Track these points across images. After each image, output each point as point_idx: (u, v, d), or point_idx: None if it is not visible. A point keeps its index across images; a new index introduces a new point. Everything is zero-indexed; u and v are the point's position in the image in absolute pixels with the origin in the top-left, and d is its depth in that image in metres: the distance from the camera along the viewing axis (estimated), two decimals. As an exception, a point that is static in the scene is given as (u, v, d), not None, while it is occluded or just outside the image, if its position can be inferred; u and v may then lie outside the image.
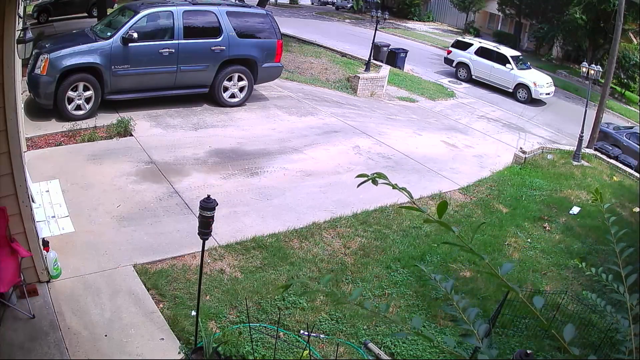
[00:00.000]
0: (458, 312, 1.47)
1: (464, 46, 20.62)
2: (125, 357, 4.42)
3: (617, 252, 1.74)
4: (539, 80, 18.64)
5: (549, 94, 18.75)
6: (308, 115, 11.16)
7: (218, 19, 10.01)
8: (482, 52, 19.83)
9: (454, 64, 20.52)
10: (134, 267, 5.54)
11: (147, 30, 9.36)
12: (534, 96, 18.43)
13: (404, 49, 19.87)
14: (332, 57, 17.12)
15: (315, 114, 11.33)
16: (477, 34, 32.67)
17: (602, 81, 15.30)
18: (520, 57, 19.93)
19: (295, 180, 8.14)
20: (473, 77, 19.93)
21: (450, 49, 21.06)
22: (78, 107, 8.85)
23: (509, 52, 19.79)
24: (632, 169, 12.14)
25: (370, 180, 1.47)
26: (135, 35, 8.98)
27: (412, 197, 1.45)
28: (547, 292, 6.42)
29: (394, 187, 1.43)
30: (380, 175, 1.45)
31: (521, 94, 18.66)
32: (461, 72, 20.26)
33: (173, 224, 6.45)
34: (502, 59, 19.20)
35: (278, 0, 37.96)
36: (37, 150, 7.85)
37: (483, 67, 19.58)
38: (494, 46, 20.21)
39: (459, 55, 20.43)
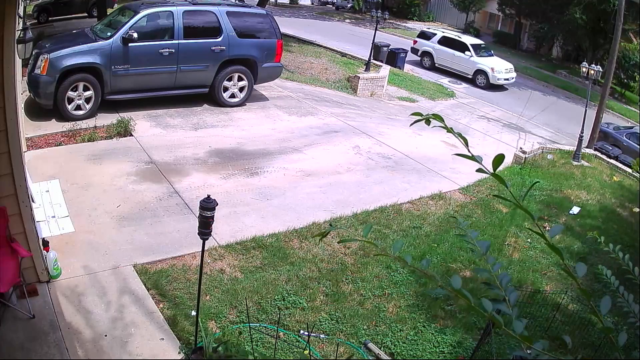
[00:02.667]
0: (490, 274, 1.42)
1: (428, 36, 21.52)
2: (125, 357, 4.42)
3: None
4: (497, 66, 19.48)
5: (507, 79, 19.57)
6: (308, 115, 11.16)
7: (218, 19, 10.01)
8: (445, 41, 20.71)
9: (419, 53, 21.33)
10: (134, 267, 5.54)
11: (147, 30, 9.35)
12: (491, 81, 19.22)
13: (404, 49, 19.88)
14: (332, 57, 17.12)
15: (315, 114, 11.33)
16: (477, 34, 32.64)
17: (602, 81, 15.29)
18: (482, 45, 20.93)
19: (295, 180, 8.14)
20: (436, 64, 20.81)
21: (416, 39, 22.04)
22: (78, 107, 8.85)
23: (469, 40, 20.84)
24: (632, 169, 12.14)
25: (426, 120, 1.41)
26: (135, 35, 8.97)
27: (467, 144, 1.41)
28: (547, 292, 6.43)
29: (449, 130, 1.40)
30: (436, 117, 1.43)
31: (480, 80, 19.51)
32: (425, 61, 21.06)
33: (173, 224, 6.46)
34: (462, 47, 20.10)
35: (278, 0, 37.96)
36: (37, 150, 7.85)
37: (445, 55, 20.47)
38: (455, 35, 21.33)
39: (423, 44, 21.37)
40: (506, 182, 1.39)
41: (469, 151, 1.40)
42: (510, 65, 19.98)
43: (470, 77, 19.77)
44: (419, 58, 21.45)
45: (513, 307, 1.35)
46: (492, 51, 20.91)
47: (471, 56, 19.77)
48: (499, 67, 19.51)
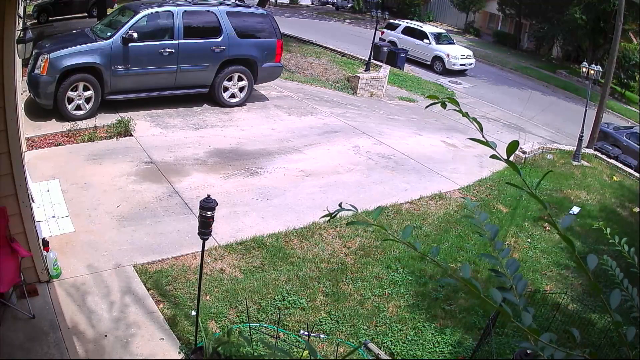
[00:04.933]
0: (498, 261, 1.39)
1: (394, 27, 22.89)
2: (125, 357, 4.42)
3: None
4: (453, 53, 20.72)
5: (464, 64, 20.83)
6: (308, 115, 11.16)
7: (218, 19, 10.01)
8: (407, 31, 22.13)
9: (386, 42, 22.02)
10: (134, 267, 5.54)
11: (147, 30, 9.35)
12: (447, 67, 20.50)
13: (404, 49, 19.93)
14: (332, 57, 17.13)
15: (315, 114, 11.33)
16: (477, 34, 32.68)
17: (602, 81, 15.30)
18: (443, 35, 22.18)
19: (295, 180, 8.14)
20: None
21: (384, 30, 23.00)
22: (78, 107, 8.84)
23: (429, 29, 22.22)
24: (632, 169, 12.14)
25: (441, 104, 1.41)
26: (135, 35, 8.97)
27: (481, 129, 1.40)
28: (547, 291, 6.43)
29: (464, 114, 1.39)
30: (452, 101, 1.43)
31: (437, 66, 20.88)
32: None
33: (173, 224, 6.45)
34: (422, 36, 21.42)
35: (278, 0, 37.95)
36: (37, 150, 7.85)
37: (407, 44, 21.52)
38: (417, 25, 22.84)
39: (390, 34, 22.57)
40: (519, 170, 1.38)
41: (483, 136, 1.40)
42: (468, 52, 21.32)
43: (428, 63, 21.01)
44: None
45: (520, 296, 1.33)
46: (453, 40, 22.41)
47: (429, 44, 21.07)
48: (455, 53, 20.77)
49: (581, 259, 1.38)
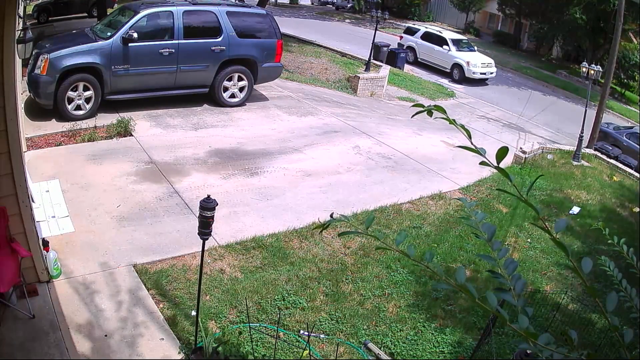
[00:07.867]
0: (496, 262, 1.38)
1: (412, 32, 22.35)
2: (125, 357, 4.42)
3: None
4: (472, 60, 19.90)
5: (484, 73, 19.96)
6: (308, 115, 11.16)
7: (218, 19, 10.01)
8: (427, 37, 21.36)
9: (404, 48, 21.70)
10: (134, 267, 5.55)
11: (147, 30, 9.35)
12: (466, 75, 19.68)
13: (404, 49, 19.93)
14: (332, 57, 17.12)
15: (315, 114, 11.33)
16: (477, 34, 32.67)
17: (602, 81, 15.30)
18: (464, 41, 21.39)
19: (295, 180, 8.14)
20: (419, 59, 21.30)
21: (402, 34, 22.68)
22: (78, 107, 8.85)
23: (449, 35, 21.39)
24: (632, 169, 12.14)
25: (428, 112, 1.41)
26: (135, 35, 8.97)
27: (470, 137, 1.39)
28: (546, 292, 6.43)
29: (451, 122, 1.39)
30: (438, 108, 1.42)
31: (456, 73, 20.04)
32: (409, 55, 21.36)
33: (173, 224, 6.45)
34: (442, 42, 20.68)
35: (278, 0, 37.96)
36: (37, 150, 7.85)
37: (426, 50, 21.11)
38: (437, 30, 21.80)
39: (408, 40, 22.04)
40: (510, 176, 1.38)
41: (472, 144, 1.39)
42: (489, 60, 20.41)
43: (448, 70, 20.29)
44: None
45: (519, 296, 1.33)
46: (474, 47, 21.53)
47: (449, 50, 20.29)
48: (475, 61, 19.95)
49: (579, 260, 1.37)
